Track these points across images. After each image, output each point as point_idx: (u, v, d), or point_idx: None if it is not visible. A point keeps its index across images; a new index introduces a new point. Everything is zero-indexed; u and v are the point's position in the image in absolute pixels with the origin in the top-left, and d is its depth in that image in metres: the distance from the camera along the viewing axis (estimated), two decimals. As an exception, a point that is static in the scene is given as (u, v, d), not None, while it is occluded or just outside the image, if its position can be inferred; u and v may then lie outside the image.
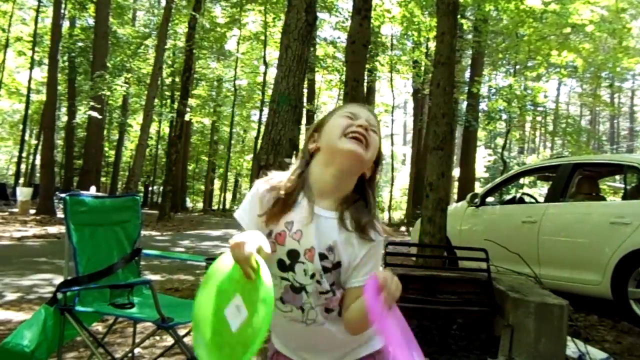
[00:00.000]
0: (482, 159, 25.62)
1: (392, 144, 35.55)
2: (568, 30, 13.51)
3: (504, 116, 17.71)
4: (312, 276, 1.18)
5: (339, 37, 22.50)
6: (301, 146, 1.32)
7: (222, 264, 1.11)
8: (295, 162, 1.27)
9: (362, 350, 1.28)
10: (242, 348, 0.99)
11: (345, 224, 1.19)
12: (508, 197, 8.81)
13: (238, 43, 27.31)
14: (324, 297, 1.20)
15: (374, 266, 1.22)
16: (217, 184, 36.88)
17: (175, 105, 21.19)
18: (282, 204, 1.19)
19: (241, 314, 1.03)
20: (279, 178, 1.24)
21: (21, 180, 25.70)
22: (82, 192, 12.47)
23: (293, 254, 1.18)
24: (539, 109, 20.46)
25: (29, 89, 24.81)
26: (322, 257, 1.18)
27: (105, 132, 25.93)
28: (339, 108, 1.30)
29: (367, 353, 1.28)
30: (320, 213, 1.20)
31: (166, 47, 18.26)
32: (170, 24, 17.96)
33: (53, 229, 11.63)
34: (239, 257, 1.03)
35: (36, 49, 23.66)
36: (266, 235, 1.15)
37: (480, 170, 24.78)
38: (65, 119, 25.95)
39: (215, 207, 33.69)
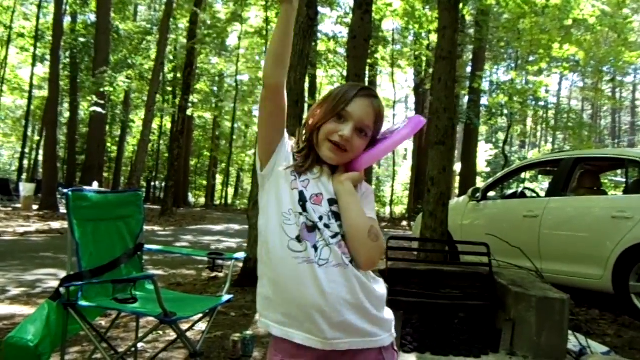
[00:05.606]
0: (484, 153, 25.56)
1: (394, 138, 35.32)
2: (569, 22, 13.41)
3: (505, 111, 17.64)
4: (320, 218, 1.29)
5: (340, 32, 22.44)
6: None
7: None
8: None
9: (367, 341, 1.25)
10: None
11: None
12: (509, 191, 8.80)
13: (239, 38, 27.28)
14: (335, 240, 1.27)
15: (369, 211, 1.37)
16: (219, 179, 36.86)
17: (177, 101, 21.18)
18: (302, 164, 1.35)
19: None
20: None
21: (24, 176, 25.78)
22: (84, 187, 12.47)
23: (303, 196, 1.30)
24: (540, 103, 20.36)
25: (31, 85, 24.85)
26: (332, 202, 1.32)
27: (107, 127, 25.96)
28: (342, 94, 1.35)
29: (373, 346, 1.26)
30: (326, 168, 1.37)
31: (167, 42, 18.21)
32: (171, 20, 17.90)
33: (56, 224, 11.67)
34: None
35: (38, 44, 23.67)
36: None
37: (481, 165, 24.73)
38: (67, 114, 25.97)
39: (218, 202, 33.73)
